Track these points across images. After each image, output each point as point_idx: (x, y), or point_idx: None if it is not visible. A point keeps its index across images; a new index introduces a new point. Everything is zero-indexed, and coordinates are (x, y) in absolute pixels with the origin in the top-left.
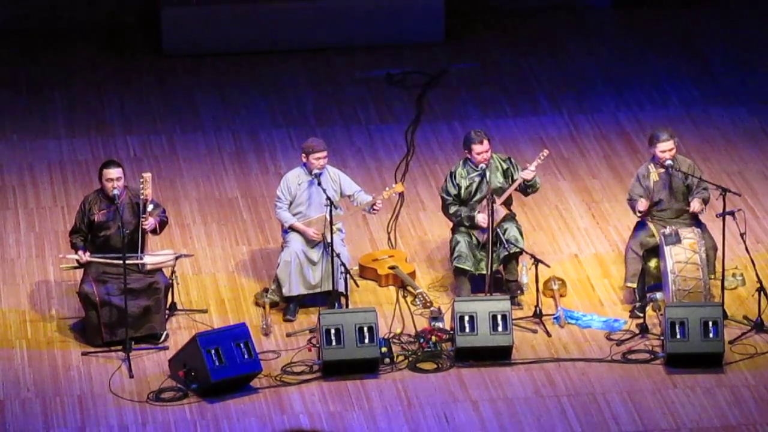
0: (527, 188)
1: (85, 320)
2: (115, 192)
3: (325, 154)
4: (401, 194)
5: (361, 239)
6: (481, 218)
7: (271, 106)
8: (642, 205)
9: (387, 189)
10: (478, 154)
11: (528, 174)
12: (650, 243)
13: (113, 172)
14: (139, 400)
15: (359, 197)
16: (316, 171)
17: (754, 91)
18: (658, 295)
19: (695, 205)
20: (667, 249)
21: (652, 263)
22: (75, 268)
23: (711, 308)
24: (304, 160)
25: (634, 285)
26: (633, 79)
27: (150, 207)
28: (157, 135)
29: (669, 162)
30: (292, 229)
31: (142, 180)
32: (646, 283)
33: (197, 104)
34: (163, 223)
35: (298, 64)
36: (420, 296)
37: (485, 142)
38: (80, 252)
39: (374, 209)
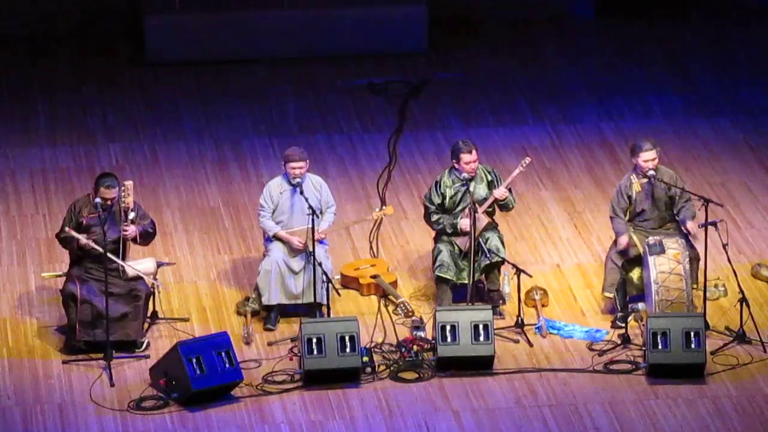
0: (501, 207)
1: (66, 321)
2: (101, 203)
3: (301, 164)
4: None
5: (342, 248)
6: (464, 223)
7: (254, 114)
8: (622, 244)
9: (377, 210)
10: (467, 164)
11: (500, 193)
12: (632, 253)
13: (110, 192)
14: (120, 409)
15: (325, 216)
16: (296, 180)
17: (737, 102)
18: (640, 305)
19: (691, 227)
20: (651, 259)
21: (635, 273)
22: (57, 276)
23: (693, 319)
24: (285, 168)
25: (611, 295)
26: (615, 90)
27: (131, 215)
28: (139, 143)
29: (652, 172)
30: (276, 238)
31: (123, 188)
32: (629, 294)
33: (180, 112)
34: (147, 234)
35: (280, 73)
36: (402, 305)
37: (474, 152)
38: (78, 235)
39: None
